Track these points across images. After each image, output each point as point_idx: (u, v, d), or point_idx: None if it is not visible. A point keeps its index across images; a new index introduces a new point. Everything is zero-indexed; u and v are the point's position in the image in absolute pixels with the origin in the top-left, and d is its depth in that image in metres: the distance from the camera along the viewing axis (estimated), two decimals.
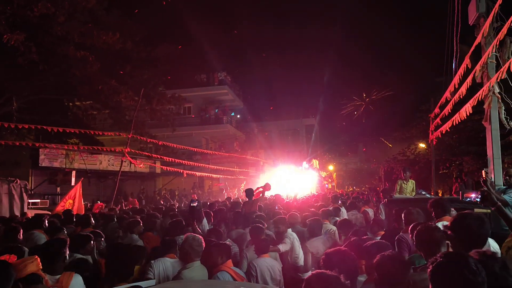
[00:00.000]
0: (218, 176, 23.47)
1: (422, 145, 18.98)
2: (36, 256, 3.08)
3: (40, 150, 15.90)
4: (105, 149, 15.18)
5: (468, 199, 3.63)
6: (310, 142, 36.91)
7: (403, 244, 4.07)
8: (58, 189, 17.49)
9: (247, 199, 9.07)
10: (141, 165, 16.54)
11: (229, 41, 34.40)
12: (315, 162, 29.31)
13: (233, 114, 34.62)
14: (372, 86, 39.41)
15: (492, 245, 3.44)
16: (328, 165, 36.85)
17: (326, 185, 28.27)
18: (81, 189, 11.00)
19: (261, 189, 9.26)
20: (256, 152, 27.97)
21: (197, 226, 6.15)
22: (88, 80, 14.52)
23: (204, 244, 4.08)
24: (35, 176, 17.12)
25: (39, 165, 16.11)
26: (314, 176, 23.92)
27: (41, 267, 3.05)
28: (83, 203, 11.15)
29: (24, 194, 10.47)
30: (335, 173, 35.13)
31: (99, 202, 14.63)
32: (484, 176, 5.24)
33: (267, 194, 10.41)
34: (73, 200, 10.52)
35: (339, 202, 9.71)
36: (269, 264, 4.55)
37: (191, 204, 6.63)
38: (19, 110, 16.44)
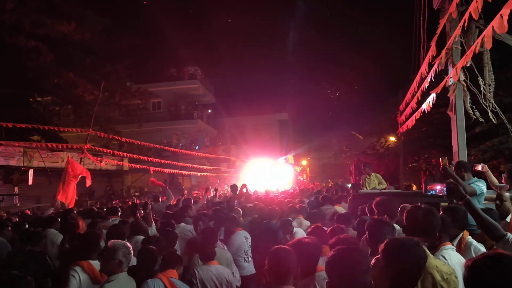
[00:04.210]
0: (188, 172, 22.92)
1: (392, 139, 18.92)
2: None
3: None
4: (64, 146, 14.32)
5: (432, 192, 3.28)
6: (283, 137, 36.69)
7: None
8: (16, 189, 16.52)
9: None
10: (101, 163, 15.76)
11: (200, 34, 33.60)
12: (290, 158, 29.18)
13: (210, 111, 34.03)
14: (342, 80, 39.37)
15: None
16: (302, 160, 36.74)
17: (301, 179, 28.25)
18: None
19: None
20: (228, 147, 27.46)
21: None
22: (43, 73, 13.60)
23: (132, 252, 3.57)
24: None
25: None
26: (290, 171, 23.87)
27: None
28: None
29: None
30: (308, 168, 35.05)
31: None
32: (441, 163, 4.92)
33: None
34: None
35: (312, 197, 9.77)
36: (215, 272, 4.04)
37: (146, 210, 6.13)
38: None
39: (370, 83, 28.84)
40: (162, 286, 3.49)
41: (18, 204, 15.82)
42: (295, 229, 5.43)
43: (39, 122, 13.92)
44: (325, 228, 4.71)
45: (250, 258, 5.47)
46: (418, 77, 8.28)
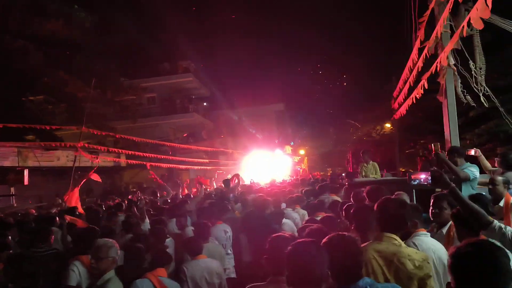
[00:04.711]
0: (186, 167, 22.85)
1: (387, 126, 18.83)
2: None
3: None
4: (56, 145, 14.25)
5: (416, 181, 3.23)
6: (280, 128, 36.58)
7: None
8: (12, 189, 16.44)
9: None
10: (97, 160, 15.69)
11: (192, 27, 33.27)
12: (288, 148, 29.13)
13: (205, 104, 33.81)
14: (337, 68, 39.18)
15: None
16: (299, 149, 36.67)
17: (299, 169, 28.27)
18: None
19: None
20: (225, 140, 27.34)
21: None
22: (32, 73, 13.45)
23: (118, 248, 3.52)
24: None
25: None
26: (288, 161, 23.86)
27: None
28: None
29: None
30: (306, 157, 35.02)
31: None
32: (433, 149, 4.88)
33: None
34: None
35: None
36: (204, 266, 3.98)
37: (138, 204, 6.10)
38: None
39: (365, 70, 28.65)
40: (151, 286, 3.45)
41: (15, 205, 15.78)
42: (283, 220, 5.44)
43: (33, 122, 13.79)
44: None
45: (229, 251, 5.44)
46: (409, 63, 8.19)
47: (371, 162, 9.31)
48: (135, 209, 6.07)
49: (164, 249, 4.06)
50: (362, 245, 2.47)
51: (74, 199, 10.40)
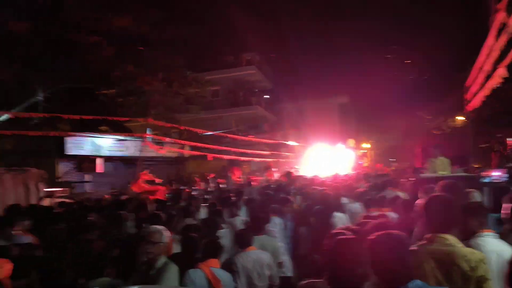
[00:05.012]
0: (247, 159, 23.10)
1: (460, 118, 17.49)
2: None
3: (66, 138, 16.01)
4: (124, 135, 15.05)
5: (487, 178, 2.92)
6: (344, 120, 35.64)
7: None
8: (86, 176, 17.67)
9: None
10: (162, 150, 16.36)
11: (257, 19, 33.28)
12: (351, 142, 28.35)
13: (268, 97, 33.88)
14: (405, 57, 37.24)
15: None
16: (363, 143, 35.54)
17: (362, 163, 27.49)
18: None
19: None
20: (287, 133, 27.19)
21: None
22: (105, 67, 14.28)
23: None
24: (62, 164, 17.34)
25: (65, 153, 16.23)
26: (351, 155, 23.24)
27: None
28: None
29: (40, 184, 10.43)
30: (371, 151, 33.88)
31: None
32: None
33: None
34: None
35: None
36: (254, 257, 3.95)
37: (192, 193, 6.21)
38: (46, 100, 16.55)
39: (435, 59, 26.91)
40: (203, 276, 3.48)
41: (90, 191, 17.01)
42: (335, 213, 5.29)
43: (106, 114, 14.68)
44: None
45: (284, 244, 5.42)
46: (485, 49, 7.50)
47: (440, 157, 8.65)
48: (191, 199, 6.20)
49: (216, 240, 4.06)
50: (412, 247, 2.27)
51: (140, 186, 10.97)
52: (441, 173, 8.37)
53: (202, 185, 13.10)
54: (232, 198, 7.27)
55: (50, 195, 11.03)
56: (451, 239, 2.34)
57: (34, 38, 12.03)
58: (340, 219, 5.28)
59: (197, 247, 4.03)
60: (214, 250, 3.81)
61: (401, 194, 7.57)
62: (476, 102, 8.33)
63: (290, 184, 9.43)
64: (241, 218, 5.84)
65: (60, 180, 16.63)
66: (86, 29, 13.31)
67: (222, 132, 18.96)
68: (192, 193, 6.59)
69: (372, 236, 1.99)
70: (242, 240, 4.07)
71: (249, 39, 27.96)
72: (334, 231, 2.53)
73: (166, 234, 3.56)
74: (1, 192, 9.37)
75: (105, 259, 3.57)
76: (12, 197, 9.33)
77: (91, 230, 4.59)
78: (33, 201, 10.08)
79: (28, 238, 4.51)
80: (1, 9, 11.02)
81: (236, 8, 25.45)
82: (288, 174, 11.65)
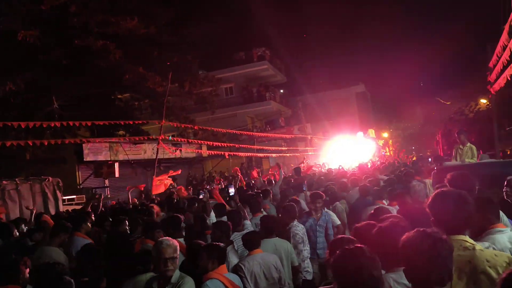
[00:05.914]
0: (264, 155, 22.91)
1: (483, 101, 16.80)
2: None
3: (84, 145, 16.12)
4: (140, 139, 15.05)
5: None
6: (362, 110, 35.04)
7: None
8: (106, 181, 17.79)
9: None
10: (176, 152, 16.31)
11: (267, 11, 32.89)
12: (371, 132, 27.84)
13: (282, 91, 33.60)
14: (421, 42, 36.35)
15: None
16: (383, 132, 34.93)
17: (384, 153, 27.05)
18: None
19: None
20: (303, 126, 26.83)
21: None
22: (116, 70, 14.28)
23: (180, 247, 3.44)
24: (81, 171, 17.50)
25: (84, 159, 16.35)
26: (372, 145, 22.82)
27: None
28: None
29: (57, 191, 10.51)
30: (390, 140, 33.26)
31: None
32: None
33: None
34: None
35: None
36: (261, 260, 3.81)
37: (199, 196, 6.03)
38: (61, 108, 16.68)
39: (453, 41, 26.08)
40: (222, 285, 3.33)
41: (109, 196, 17.12)
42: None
43: (122, 118, 14.69)
44: None
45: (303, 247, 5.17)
46: (508, 26, 7.14)
47: (468, 144, 8.18)
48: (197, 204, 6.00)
49: (220, 246, 3.89)
50: None
51: (157, 188, 10.93)
52: (468, 160, 7.95)
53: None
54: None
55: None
56: (469, 240, 2.07)
57: (45, 46, 12.08)
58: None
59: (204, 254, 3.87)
60: (222, 256, 3.66)
61: (428, 184, 7.32)
62: (500, 82, 7.95)
63: (300, 180, 9.16)
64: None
65: (81, 186, 16.80)
66: (93, 33, 13.28)
67: (238, 130, 18.78)
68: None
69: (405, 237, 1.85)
70: (249, 243, 3.93)
71: (263, 32, 27.71)
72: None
73: (175, 244, 3.39)
74: (20, 201, 9.46)
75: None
76: (31, 206, 9.39)
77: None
78: (52, 208, 10.20)
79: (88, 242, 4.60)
80: (10, 19, 11.13)
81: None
82: (297, 170, 11.35)
